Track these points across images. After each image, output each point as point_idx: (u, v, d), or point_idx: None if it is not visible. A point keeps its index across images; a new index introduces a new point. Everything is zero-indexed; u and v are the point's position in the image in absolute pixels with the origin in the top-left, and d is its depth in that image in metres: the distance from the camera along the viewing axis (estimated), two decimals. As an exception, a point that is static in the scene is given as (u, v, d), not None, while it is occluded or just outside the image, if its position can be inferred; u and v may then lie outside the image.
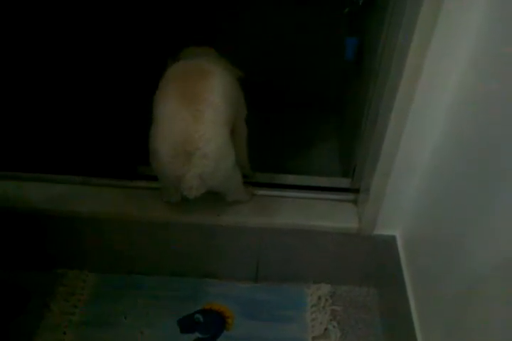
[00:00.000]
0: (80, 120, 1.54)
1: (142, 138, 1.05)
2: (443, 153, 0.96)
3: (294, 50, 1.74)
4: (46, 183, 1.27)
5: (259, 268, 1.31)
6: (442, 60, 0.87)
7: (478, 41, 0.82)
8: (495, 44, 0.77)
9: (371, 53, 1.17)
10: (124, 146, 1.44)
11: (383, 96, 1.01)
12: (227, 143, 1.04)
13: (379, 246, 1.22)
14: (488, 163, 0.77)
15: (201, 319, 1.24)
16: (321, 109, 1.80)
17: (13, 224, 1.24)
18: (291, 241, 1.24)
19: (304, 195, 1.26)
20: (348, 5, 1.27)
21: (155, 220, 1.23)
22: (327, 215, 1.22)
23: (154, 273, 1.33)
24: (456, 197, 0.89)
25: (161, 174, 1.08)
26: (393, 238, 1.20)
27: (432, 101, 0.93)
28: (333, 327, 1.23)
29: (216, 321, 1.24)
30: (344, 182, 1.28)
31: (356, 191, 1.24)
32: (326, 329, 1.22)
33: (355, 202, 1.25)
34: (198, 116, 0.99)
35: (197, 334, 1.21)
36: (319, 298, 1.29)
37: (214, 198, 1.18)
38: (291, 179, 1.30)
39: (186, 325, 1.23)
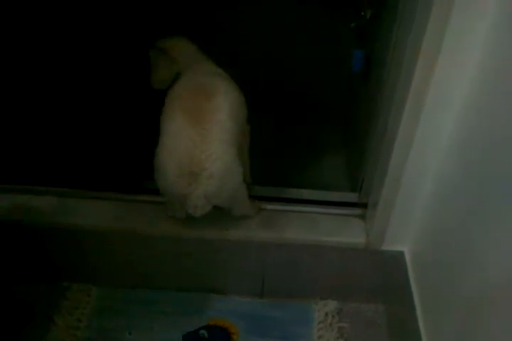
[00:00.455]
0: (86, 134, 1.54)
1: (148, 152, 1.05)
2: (452, 168, 0.95)
3: (301, 63, 1.74)
4: (52, 196, 1.27)
5: (265, 284, 1.29)
6: (451, 71, 0.86)
7: (486, 51, 0.81)
8: (502, 53, 0.77)
9: (379, 66, 1.16)
10: (130, 160, 1.44)
11: (391, 110, 1.00)
12: (234, 161, 1.03)
13: (387, 261, 1.20)
14: (499, 177, 0.76)
15: (206, 335, 1.22)
16: (328, 122, 1.79)
17: (18, 237, 1.24)
18: (298, 256, 1.23)
19: (310, 210, 1.25)
20: (355, 19, 1.27)
21: (160, 235, 1.22)
22: (334, 230, 1.21)
23: (159, 288, 1.32)
24: (465, 212, 0.88)
25: (166, 192, 1.08)
26: (401, 253, 1.18)
27: (441, 114, 0.92)
28: (340, 344, 1.21)
29: (221, 337, 1.22)
30: (352, 197, 1.27)
31: (364, 206, 1.22)
32: (332, 346, 1.20)
33: (362, 216, 1.23)
34: (204, 135, 0.99)
35: (202, 351, 1.20)
36: (326, 314, 1.27)
37: (220, 213, 1.17)
38: (298, 193, 1.29)
39: (191, 340, 1.21)
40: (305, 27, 1.69)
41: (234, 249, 1.23)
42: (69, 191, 1.29)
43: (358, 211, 1.24)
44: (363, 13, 1.24)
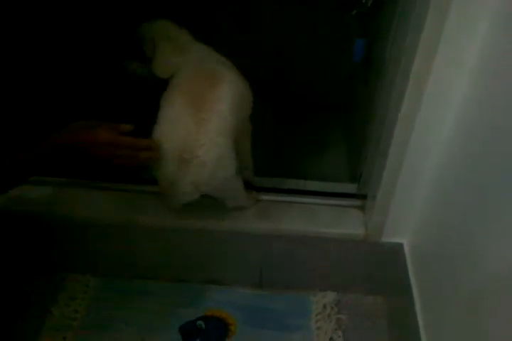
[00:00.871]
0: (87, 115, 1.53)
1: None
2: (452, 159, 0.93)
3: (301, 53, 1.72)
4: (48, 187, 1.26)
5: (263, 275, 1.29)
6: (451, 62, 0.84)
7: (487, 40, 0.79)
8: (504, 41, 0.75)
9: (379, 55, 1.14)
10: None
11: (391, 100, 0.99)
12: (229, 153, 1.00)
13: (386, 253, 1.19)
14: (498, 167, 0.74)
15: (203, 325, 1.22)
16: (328, 112, 1.77)
17: (14, 228, 1.23)
18: (296, 247, 1.22)
19: (309, 201, 1.23)
20: (357, 7, 1.25)
21: (158, 225, 1.21)
22: (333, 221, 1.20)
23: (157, 279, 1.31)
24: (466, 204, 0.86)
25: (158, 179, 1.06)
26: (401, 245, 1.17)
27: (440, 105, 0.91)
28: (338, 336, 1.20)
29: (218, 328, 1.22)
30: (351, 188, 1.25)
31: (363, 197, 1.21)
32: (330, 338, 1.19)
33: (362, 208, 1.22)
34: (202, 124, 0.96)
35: (198, 341, 1.20)
36: (324, 306, 1.26)
37: (217, 203, 1.16)
38: (296, 184, 1.27)
39: (188, 331, 1.21)
40: (305, 15, 1.66)
41: (232, 240, 1.22)
42: (66, 181, 1.27)
43: (357, 202, 1.23)
44: (364, 1, 1.22)
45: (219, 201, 1.13)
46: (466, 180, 0.87)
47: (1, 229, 1.21)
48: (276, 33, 1.69)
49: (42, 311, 1.24)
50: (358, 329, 1.22)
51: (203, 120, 0.97)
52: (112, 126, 0.95)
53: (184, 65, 1.06)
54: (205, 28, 1.68)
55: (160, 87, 1.06)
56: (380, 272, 1.23)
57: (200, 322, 1.22)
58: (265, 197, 1.24)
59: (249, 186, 1.19)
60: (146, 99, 1.16)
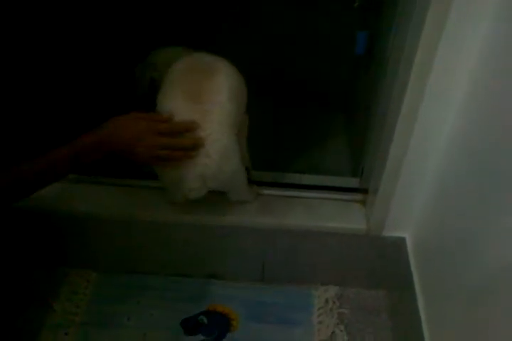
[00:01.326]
0: (84, 117, 1.52)
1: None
2: (454, 153, 0.92)
3: (303, 45, 1.70)
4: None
5: (265, 269, 1.28)
6: (453, 54, 0.83)
7: (490, 34, 0.78)
8: (508, 35, 0.73)
9: (381, 48, 1.13)
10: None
11: (393, 93, 0.98)
12: (233, 144, 1.00)
13: (388, 247, 1.18)
14: (501, 162, 0.74)
15: (205, 320, 1.22)
16: (330, 105, 1.76)
17: (16, 223, 1.23)
18: (298, 241, 1.21)
19: (310, 195, 1.22)
20: (359, -2, 1.23)
21: (159, 220, 1.21)
22: (334, 216, 1.19)
23: (158, 273, 1.31)
24: (468, 198, 0.86)
25: (162, 174, 1.06)
26: (403, 240, 1.16)
27: (443, 98, 0.89)
28: (340, 331, 1.20)
29: (220, 323, 1.22)
30: (353, 182, 1.25)
31: (365, 191, 1.20)
32: (332, 332, 1.19)
33: (363, 202, 1.21)
34: (205, 115, 0.96)
35: (200, 336, 1.19)
36: (326, 300, 1.26)
37: (219, 198, 1.15)
38: (297, 178, 1.27)
39: (190, 326, 1.21)
40: (307, 7, 1.65)
41: (233, 234, 1.22)
42: (67, 176, 1.26)
43: (359, 196, 1.22)
44: (366, -8, 1.21)
45: (223, 195, 1.13)
46: (468, 175, 0.86)
47: (2, 224, 1.21)
48: (278, 26, 1.68)
49: (43, 306, 1.24)
50: (360, 324, 1.22)
51: (205, 111, 0.96)
52: (152, 118, 0.96)
53: (181, 58, 1.06)
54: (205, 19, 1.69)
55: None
56: (382, 266, 1.23)
57: (202, 316, 1.22)
58: (267, 191, 1.23)
59: (249, 180, 1.18)
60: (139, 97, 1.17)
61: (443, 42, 0.82)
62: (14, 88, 1.28)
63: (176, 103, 0.98)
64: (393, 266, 1.20)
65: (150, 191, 1.24)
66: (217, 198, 1.15)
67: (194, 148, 0.95)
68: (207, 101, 0.98)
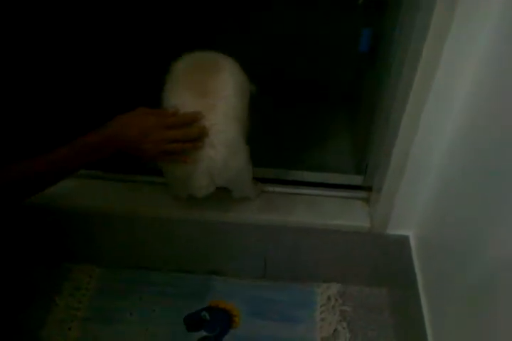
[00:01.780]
0: (87, 113, 1.52)
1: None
2: (459, 151, 0.92)
3: (307, 42, 1.70)
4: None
5: (267, 266, 1.29)
6: (460, 51, 0.83)
7: (498, 29, 0.77)
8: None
9: (386, 45, 1.13)
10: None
11: (397, 91, 0.97)
12: (239, 138, 1.00)
13: (391, 245, 1.18)
14: (505, 160, 0.73)
15: (207, 316, 1.22)
16: (333, 103, 1.76)
17: (18, 219, 1.23)
18: (301, 238, 1.22)
19: (314, 192, 1.22)
20: (364, -5, 1.23)
21: (162, 216, 1.21)
22: (338, 213, 1.19)
23: (161, 269, 1.32)
24: (472, 196, 0.85)
25: (168, 170, 1.06)
26: (406, 238, 1.16)
27: (449, 96, 0.89)
28: (343, 328, 1.20)
29: (223, 319, 1.22)
30: (356, 180, 1.24)
31: (369, 189, 1.20)
32: (335, 330, 1.20)
33: (367, 200, 1.21)
34: (210, 108, 0.96)
35: (203, 332, 1.19)
36: (329, 297, 1.26)
37: (222, 194, 1.15)
38: (301, 175, 1.26)
39: (192, 322, 1.21)
40: (311, 4, 1.64)
41: (236, 231, 1.22)
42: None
43: (362, 194, 1.22)
44: (370, -11, 1.20)
45: (227, 191, 1.13)
46: (472, 173, 0.86)
47: (5, 220, 1.21)
48: (278, 25, 1.67)
49: (46, 301, 1.24)
50: (362, 321, 1.22)
51: (211, 105, 0.97)
52: (160, 113, 0.96)
53: (180, 61, 1.06)
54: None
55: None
56: (384, 264, 1.23)
57: (204, 313, 1.22)
58: (270, 188, 1.23)
59: (253, 177, 1.18)
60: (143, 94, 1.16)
61: (449, 41, 0.81)
62: (16, 87, 1.28)
63: (181, 99, 0.98)
64: (396, 264, 1.20)
65: (153, 187, 1.24)
66: (220, 194, 1.15)
67: (200, 137, 0.95)
68: (213, 97, 0.98)
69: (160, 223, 1.22)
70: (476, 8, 0.78)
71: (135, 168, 1.28)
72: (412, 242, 1.15)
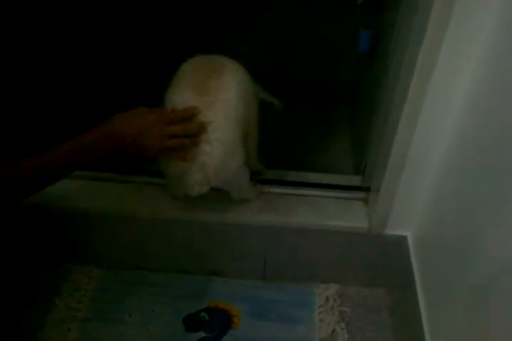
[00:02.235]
0: (87, 113, 1.53)
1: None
2: (457, 152, 0.92)
3: (306, 43, 1.70)
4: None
5: (266, 267, 1.29)
6: (458, 51, 0.83)
7: (496, 29, 0.77)
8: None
9: (385, 45, 1.13)
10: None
11: (395, 92, 0.97)
12: (236, 140, 1.00)
13: (390, 246, 1.18)
14: (504, 160, 0.73)
15: (206, 317, 1.22)
16: (333, 103, 1.76)
17: (18, 220, 1.23)
18: (300, 239, 1.22)
19: (312, 193, 1.22)
20: (362, -4, 1.23)
21: (162, 216, 1.21)
22: (336, 214, 1.19)
23: (160, 270, 1.32)
24: (470, 197, 0.85)
25: (167, 166, 1.05)
26: (404, 238, 1.16)
27: (447, 96, 0.89)
28: (341, 328, 1.20)
29: (222, 319, 1.22)
30: (355, 180, 1.25)
31: (367, 189, 1.20)
32: (333, 330, 1.20)
33: (365, 200, 1.21)
34: (209, 105, 0.97)
35: (202, 333, 1.20)
36: (327, 298, 1.26)
37: (221, 195, 1.15)
38: (299, 176, 1.27)
39: (191, 323, 1.21)
40: (310, 5, 1.64)
41: (235, 232, 1.22)
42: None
43: (361, 195, 1.22)
44: (369, -10, 1.20)
45: (224, 193, 1.13)
46: (471, 173, 0.85)
47: (5, 220, 1.21)
48: (278, 25, 1.67)
49: (46, 302, 1.25)
50: (361, 322, 1.22)
51: (211, 103, 0.97)
52: (159, 111, 0.97)
53: (186, 62, 1.07)
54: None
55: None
56: (383, 264, 1.23)
57: (203, 313, 1.22)
58: (269, 189, 1.23)
59: (252, 178, 1.18)
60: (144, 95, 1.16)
61: (447, 40, 0.82)
62: (16, 86, 1.28)
63: (183, 96, 0.99)
64: (394, 265, 1.20)
65: (153, 188, 1.24)
66: (220, 195, 1.15)
67: (199, 133, 0.96)
68: (213, 94, 0.98)
69: (160, 224, 1.22)
70: (475, 6, 0.78)
71: (135, 169, 1.28)
72: (411, 242, 1.15)
